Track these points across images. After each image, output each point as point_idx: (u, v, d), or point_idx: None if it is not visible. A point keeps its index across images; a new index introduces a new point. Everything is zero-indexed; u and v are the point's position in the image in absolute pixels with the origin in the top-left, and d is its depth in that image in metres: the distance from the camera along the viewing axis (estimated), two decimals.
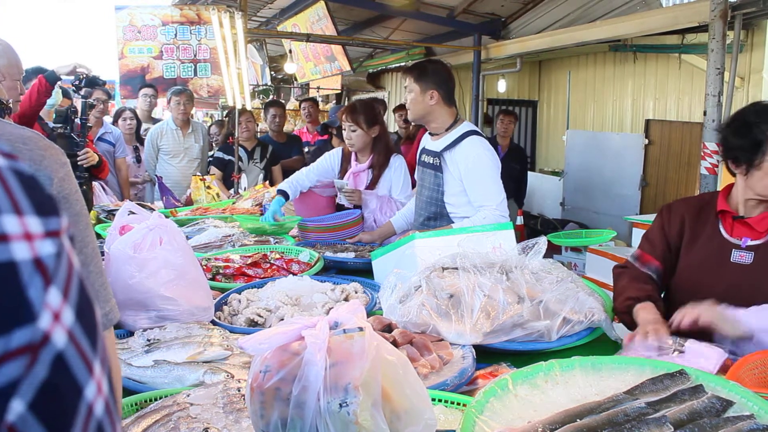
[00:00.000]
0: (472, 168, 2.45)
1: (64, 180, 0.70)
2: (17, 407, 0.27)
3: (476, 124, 5.06)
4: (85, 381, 0.32)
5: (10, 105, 2.68)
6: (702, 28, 5.07)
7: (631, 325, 1.68)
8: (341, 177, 3.21)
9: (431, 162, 2.61)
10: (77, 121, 3.04)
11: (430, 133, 2.66)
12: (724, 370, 1.33)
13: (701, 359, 1.34)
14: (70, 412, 0.30)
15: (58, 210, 0.33)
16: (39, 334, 0.29)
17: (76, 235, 0.71)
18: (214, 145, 5.72)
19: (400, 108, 6.90)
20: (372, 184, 3.11)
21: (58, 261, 0.31)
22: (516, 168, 5.91)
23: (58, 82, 3.17)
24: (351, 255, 2.50)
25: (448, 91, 2.55)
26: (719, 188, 4.75)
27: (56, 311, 0.30)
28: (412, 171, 3.06)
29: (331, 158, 3.29)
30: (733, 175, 1.73)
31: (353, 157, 3.18)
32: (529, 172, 7.88)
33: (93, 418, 0.32)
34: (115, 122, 5.06)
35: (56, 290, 0.31)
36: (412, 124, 6.91)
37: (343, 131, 3.10)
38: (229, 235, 2.81)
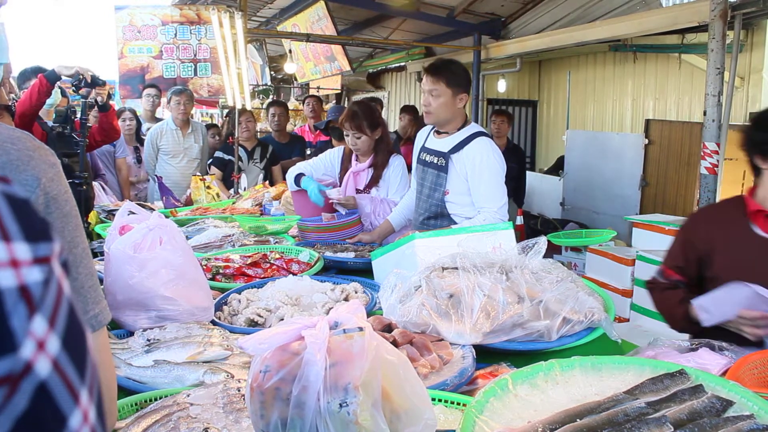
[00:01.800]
0: (479, 169, 2.48)
1: (52, 180, 0.70)
2: None
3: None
4: (69, 410, 0.31)
5: (13, 107, 2.69)
6: (702, 28, 5.07)
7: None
8: (342, 175, 3.22)
9: (435, 162, 2.62)
10: (77, 120, 3.04)
11: (436, 131, 2.68)
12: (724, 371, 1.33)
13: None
14: None
15: (50, 235, 0.32)
16: (20, 364, 0.28)
17: (65, 236, 0.70)
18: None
19: (405, 110, 6.85)
20: (371, 183, 3.12)
21: (45, 288, 0.31)
22: (514, 167, 5.91)
23: (58, 82, 3.17)
24: (351, 255, 2.50)
25: (469, 93, 2.62)
26: (719, 188, 4.75)
27: (41, 340, 0.30)
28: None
29: (331, 156, 3.30)
30: (756, 173, 1.77)
31: (353, 156, 3.19)
32: (529, 172, 7.89)
33: None
34: None
35: (42, 318, 0.30)
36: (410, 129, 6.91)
37: (346, 137, 3.10)
38: (229, 235, 2.81)
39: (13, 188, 0.32)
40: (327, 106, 9.26)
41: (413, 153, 2.86)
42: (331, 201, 3.07)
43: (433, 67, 2.55)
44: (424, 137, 2.76)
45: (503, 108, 7.97)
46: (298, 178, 3.12)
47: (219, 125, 7.03)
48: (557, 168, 8.14)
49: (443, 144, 2.61)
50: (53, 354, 0.30)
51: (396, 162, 3.13)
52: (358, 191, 3.13)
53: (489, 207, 2.47)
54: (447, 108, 2.53)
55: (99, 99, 3.78)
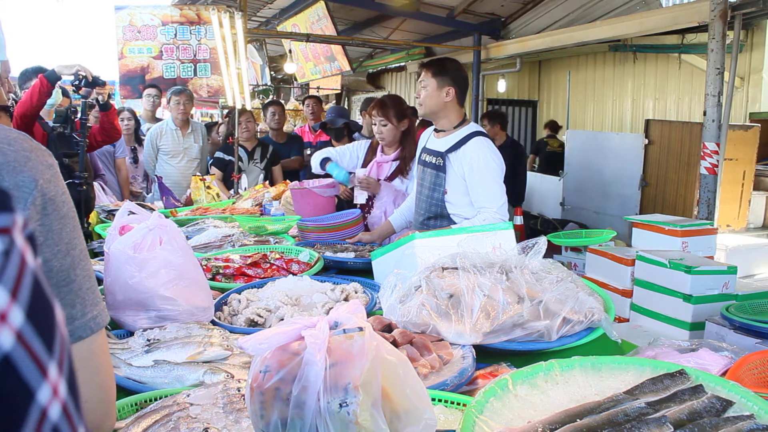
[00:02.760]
0: (476, 169, 2.48)
1: (50, 182, 0.69)
2: None
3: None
4: (37, 384, 0.30)
5: (12, 108, 2.69)
6: (702, 28, 5.08)
7: None
8: (364, 167, 3.31)
9: (433, 162, 2.63)
10: (77, 120, 3.04)
11: (435, 130, 2.70)
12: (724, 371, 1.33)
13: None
14: (18, 417, 0.29)
15: (10, 206, 0.32)
16: None
17: (63, 237, 0.70)
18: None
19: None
20: (393, 176, 3.21)
21: (5, 259, 0.30)
22: (508, 166, 5.86)
23: (58, 82, 3.18)
24: (351, 255, 2.50)
25: (463, 90, 2.61)
26: (719, 188, 4.74)
27: (2, 312, 0.29)
28: None
29: (357, 147, 3.41)
30: None
31: (379, 148, 3.28)
32: (528, 172, 7.89)
33: (47, 422, 0.31)
34: None
35: (2, 289, 0.30)
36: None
37: (373, 126, 3.17)
38: (229, 235, 2.80)
39: None
40: (327, 107, 9.27)
41: (416, 154, 2.88)
42: (354, 179, 3.21)
43: (427, 61, 2.67)
44: (426, 138, 2.77)
45: (493, 108, 8.01)
46: (324, 162, 3.24)
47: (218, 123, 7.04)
48: (538, 151, 8.20)
49: (441, 144, 2.61)
50: (16, 326, 0.30)
51: None
52: (378, 180, 3.21)
53: (489, 207, 2.46)
54: (432, 99, 2.55)
55: (100, 98, 3.78)
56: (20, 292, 0.31)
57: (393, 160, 3.19)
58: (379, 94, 10.99)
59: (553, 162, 8.14)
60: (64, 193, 0.72)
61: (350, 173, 3.30)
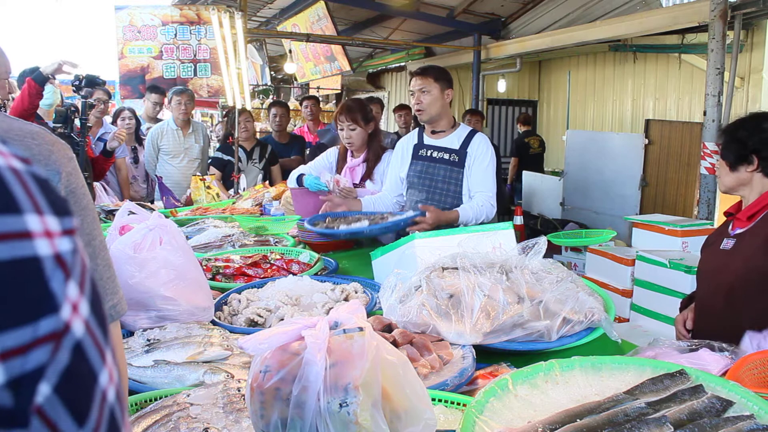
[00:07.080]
0: (481, 159, 2.71)
1: (71, 174, 0.71)
2: (44, 390, 0.30)
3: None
4: (99, 369, 0.33)
5: (7, 104, 2.70)
6: (702, 28, 5.08)
7: None
8: (338, 173, 3.28)
9: (446, 157, 2.76)
10: (77, 121, 3.04)
11: (432, 131, 2.81)
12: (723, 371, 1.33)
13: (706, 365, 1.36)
14: (88, 397, 0.32)
15: (70, 211, 0.35)
16: (61, 324, 0.31)
17: (83, 228, 0.72)
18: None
19: (401, 108, 6.86)
20: (366, 177, 3.23)
21: (74, 257, 0.33)
22: None
23: (55, 82, 3.18)
24: (365, 223, 2.53)
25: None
26: (719, 188, 4.77)
27: (75, 303, 0.32)
28: None
29: (328, 156, 3.42)
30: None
31: (348, 153, 3.29)
32: (528, 172, 7.89)
33: (107, 403, 0.34)
34: (114, 122, 5.05)
35: (74, 283, 0.33)
36: (411, 124, 6.91)
37: (340, 131, 3.17)
38: (229, 235, 2.81)
39: (36, 168, 0.34)
40: (326, 107, 9.25)
41: (400, 155, 2.89)
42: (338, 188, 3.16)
43: (419, 69, 2.79)
44: (416, 138, 2.86)
45: (476, 107, 8.04)
46: (299, 179, 3.19)
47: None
48: (520, 154, 8.13)
49: (449, 141, 2.76)
50: (85, 316, 0.33)
51: (389, 157, 3.21)
52: (354, 185, 3.19)
53: (484, 191, 2.67)
54: (437, 102, 2.69)
55: (109, 146, 3.81)
56: (85, 286, 0.34)
57: (362, 162, 3.23)
58: (379, 94, 11.00)
59: (535, 166, 8.14)
60: (83, 185, 0.73)
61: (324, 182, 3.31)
